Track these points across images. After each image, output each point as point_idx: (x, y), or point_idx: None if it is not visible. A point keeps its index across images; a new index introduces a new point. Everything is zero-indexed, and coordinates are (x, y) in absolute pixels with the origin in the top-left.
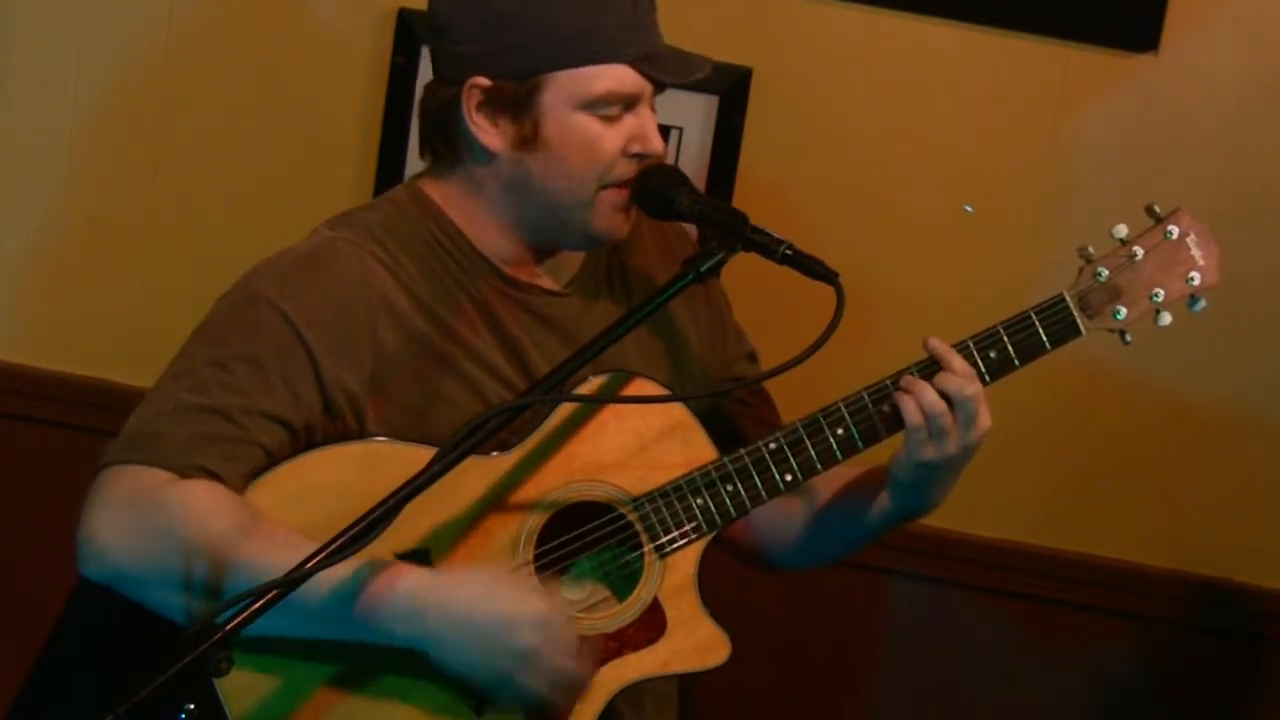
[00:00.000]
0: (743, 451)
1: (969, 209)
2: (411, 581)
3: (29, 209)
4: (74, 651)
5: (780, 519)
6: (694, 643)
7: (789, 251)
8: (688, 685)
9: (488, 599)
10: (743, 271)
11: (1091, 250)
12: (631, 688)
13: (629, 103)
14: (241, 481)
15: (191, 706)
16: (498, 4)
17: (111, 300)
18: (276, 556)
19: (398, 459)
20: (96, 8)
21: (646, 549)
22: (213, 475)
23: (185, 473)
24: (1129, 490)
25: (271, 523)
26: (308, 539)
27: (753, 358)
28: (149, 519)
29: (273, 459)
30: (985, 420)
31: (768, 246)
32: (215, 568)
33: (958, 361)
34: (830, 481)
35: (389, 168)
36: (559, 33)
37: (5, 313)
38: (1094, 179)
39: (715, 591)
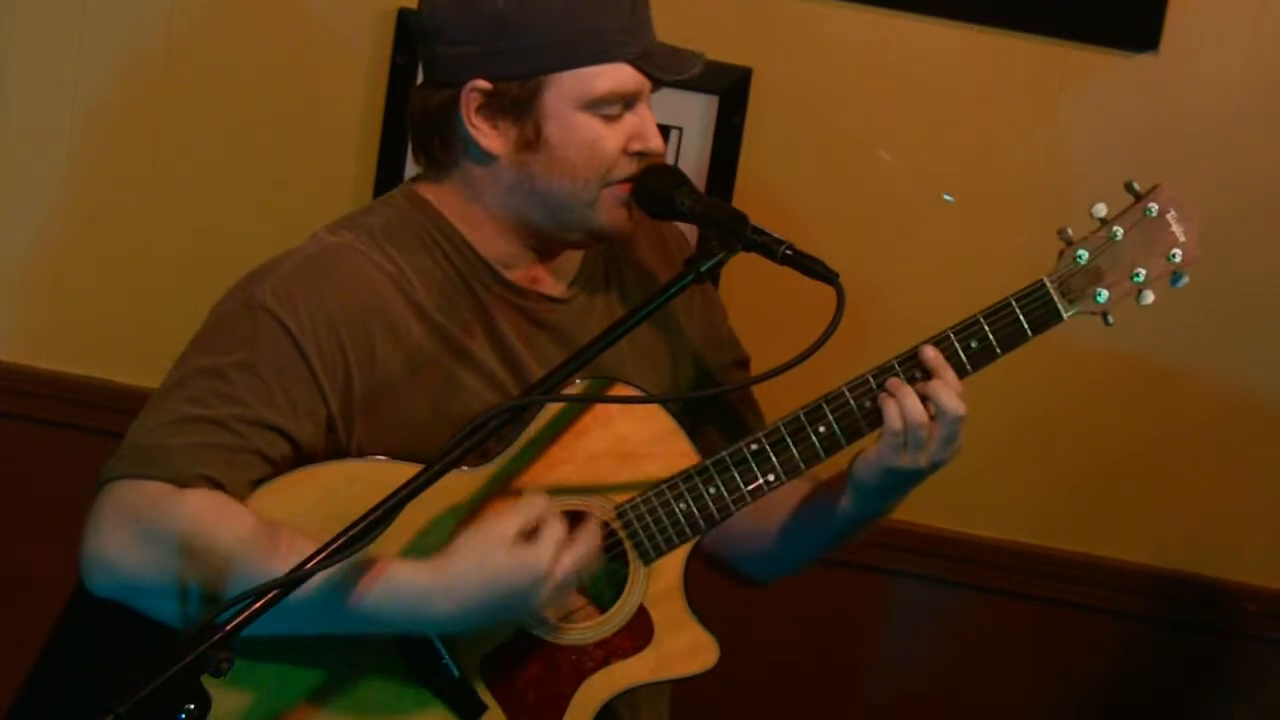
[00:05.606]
0: (725, 454)
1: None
2: (410, 576)
3: (29, 209)
4: (74, 651)
5: (751, 527)
6: (682, 648)
7: (789, 251)
8: (682, 685)
9: (483, 571)
10: (743, 271)
11: (1071, 232)
12: (624, 691)
13: (629, 101)
14: (245, 489)
15: (191, 707)
16: (498, 5)
17: (111, 300)
18: (279, 566)
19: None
20: (96, 8)
21: (631, 556)
22: (214, 483)
23: (187, 482)
24: (1129, 490)
25: (275, 528)
26: (311, 542)
27: (744, 364)
28: (151, 529)
29: (276, 468)
30: (960, 440)
31: (768, 246)
32: (221, 576)
33: (951, 375)
34: (795, 488)
35: (389, 168)
36: (561, 33)
37: (5, 313)
38: (1094, 179)
39: (715, 591)
